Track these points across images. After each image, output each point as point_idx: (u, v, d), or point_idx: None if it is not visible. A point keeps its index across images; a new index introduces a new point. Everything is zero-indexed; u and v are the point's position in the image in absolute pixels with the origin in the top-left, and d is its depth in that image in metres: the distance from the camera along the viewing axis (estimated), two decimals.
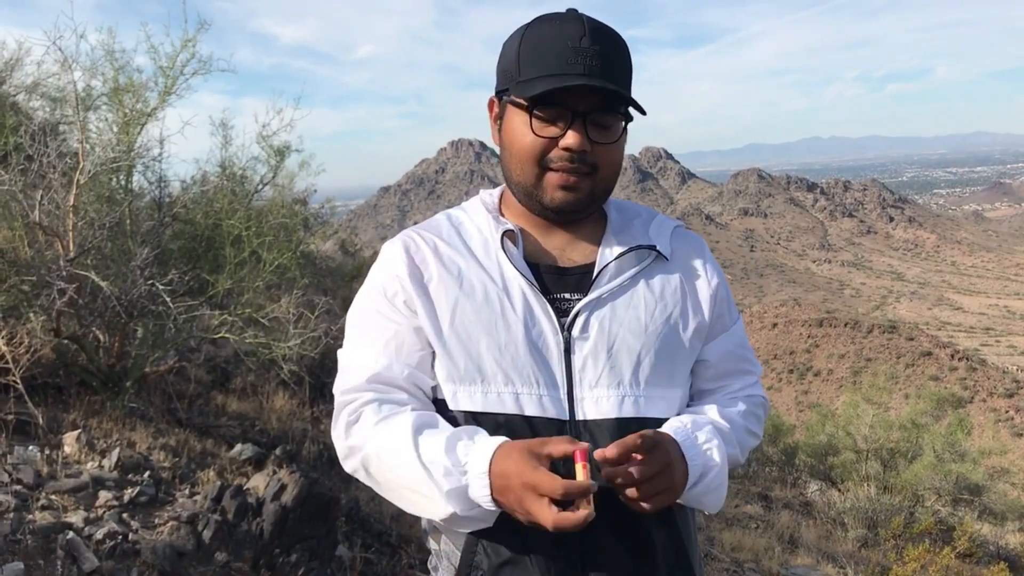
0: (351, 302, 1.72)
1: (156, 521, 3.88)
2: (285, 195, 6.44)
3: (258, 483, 4.20)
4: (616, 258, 1.63)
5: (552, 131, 1.53)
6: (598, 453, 1.42)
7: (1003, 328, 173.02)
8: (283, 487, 4.04)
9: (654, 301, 1.64)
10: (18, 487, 3.77)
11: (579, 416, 1.56)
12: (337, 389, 1.65)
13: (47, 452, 4.22)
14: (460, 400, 1.57)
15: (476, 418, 1.56)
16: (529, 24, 1.58)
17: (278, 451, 5.16)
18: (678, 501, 1.57)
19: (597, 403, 1.56)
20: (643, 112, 1.57)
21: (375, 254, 1.80)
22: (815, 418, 15.84)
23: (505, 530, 1.56)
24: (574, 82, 1.47)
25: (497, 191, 1.78)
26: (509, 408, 1.55)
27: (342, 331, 1.71)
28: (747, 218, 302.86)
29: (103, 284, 4.65)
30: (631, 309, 1.61)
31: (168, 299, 4.82)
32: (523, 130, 1.56)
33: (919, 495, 11.97)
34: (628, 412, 1.57)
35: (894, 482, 12.12)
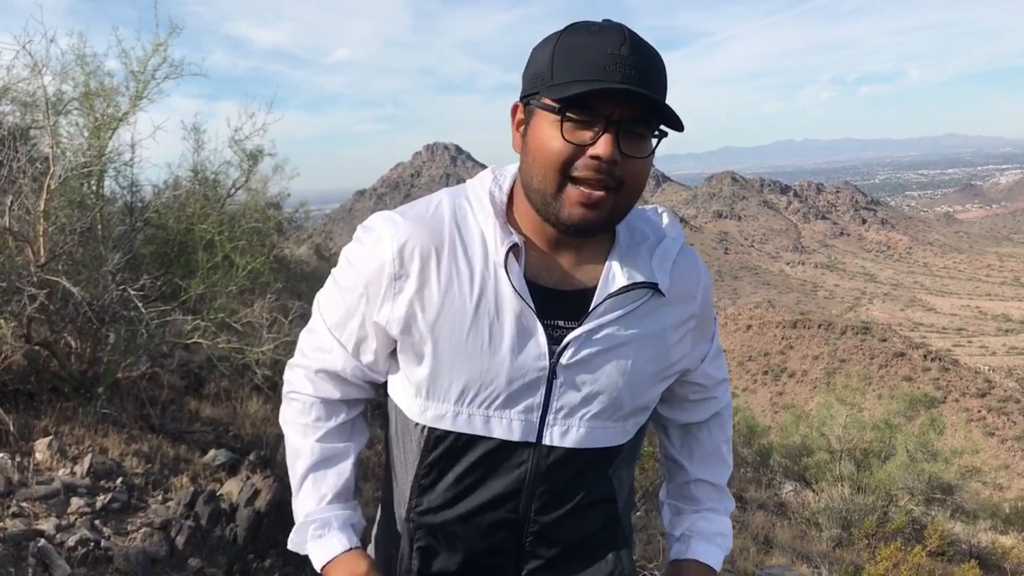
0: None
1: (129, 528, 3.85)
2: (258, 199, 6.42)
3: (231, 489, 4.19)
4: (616, 293, 1.54)
5: (582, 137, 1.42)
6: None
7: (975, 329, 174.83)
8: (256, 492, 4.03)
9: (646, 340, 1.60)
10: None
11: (545, 441, 1.57)
12: (299, 347, 1.75)
13: (18, 459, 4.18)
14: (428, 416, 1.57)
15: (438, 434, 1.58)
16: (564, 30, 1.47)
17: (252, 456, 5.13)
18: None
19: (566, 432, 1.57)
20: (680, 128, 1.46)
21: None
22: (789, 419, 15.92)
23: (438, 535, 1.62)
24: (613, 86, 1.37)
25: (507, 184, 1.61)
26: (476, 430, 1.55)
27: None
28: (721, 221, 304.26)
29: (74, 290, 4.61)
30: (622, 346, 1.57)
31: (140, 304, 4.79)
32: (551, 134, 1.44)
33: (892, 495, 12.05)
34: (592, 443, 1.60)
35: (868, 482, 12.19)
